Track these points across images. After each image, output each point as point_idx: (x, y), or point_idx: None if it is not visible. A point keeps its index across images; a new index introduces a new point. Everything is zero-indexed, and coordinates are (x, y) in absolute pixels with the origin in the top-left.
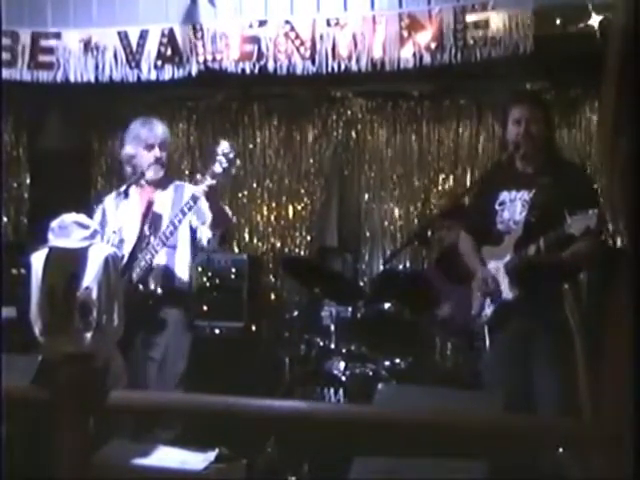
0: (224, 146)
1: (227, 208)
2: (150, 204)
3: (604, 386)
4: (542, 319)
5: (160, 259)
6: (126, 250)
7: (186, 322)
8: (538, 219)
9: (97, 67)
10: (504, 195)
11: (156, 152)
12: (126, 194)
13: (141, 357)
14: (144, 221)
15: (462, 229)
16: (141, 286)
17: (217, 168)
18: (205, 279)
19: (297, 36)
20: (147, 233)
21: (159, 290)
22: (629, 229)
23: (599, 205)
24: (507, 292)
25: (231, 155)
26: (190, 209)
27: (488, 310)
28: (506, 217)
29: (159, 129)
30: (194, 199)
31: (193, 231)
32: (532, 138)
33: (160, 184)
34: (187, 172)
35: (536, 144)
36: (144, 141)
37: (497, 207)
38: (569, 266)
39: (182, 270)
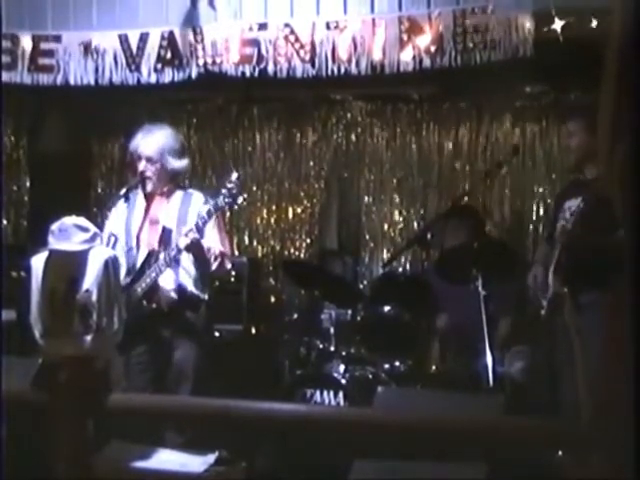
0: (230, 179)
1: (215, 250)
2: (155, 222)
3: (604, 386)
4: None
5: (165, 275)
6: (120, 254)
7: (194, 335)
8: (574, 225)
9: (97, 70)
10: (568, 202)
11: (142, 165)
12: (127, 198)
13: (151, 368)
14: (152, 236)
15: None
16: (145, 302)
17: (220, 202)
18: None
19: (297, 39)
20: (157, 249)
21: (165, 308)
22: (629, 229)
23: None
24: (555, 288)
25: (234, 190)
26: (172, 260)
27: (543, 305)
28: (561, 222)
29: (147, 143)
30: (178, 250)
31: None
32: (588, 148)
33: (166, 193)
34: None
35: (591, 153)
36: (133, 152)
37: (561, 213)
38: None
39: (187, 284)
